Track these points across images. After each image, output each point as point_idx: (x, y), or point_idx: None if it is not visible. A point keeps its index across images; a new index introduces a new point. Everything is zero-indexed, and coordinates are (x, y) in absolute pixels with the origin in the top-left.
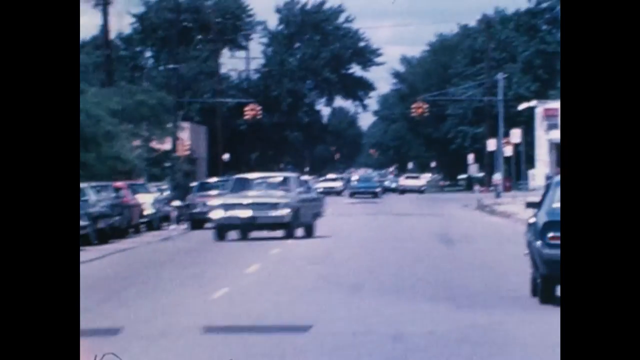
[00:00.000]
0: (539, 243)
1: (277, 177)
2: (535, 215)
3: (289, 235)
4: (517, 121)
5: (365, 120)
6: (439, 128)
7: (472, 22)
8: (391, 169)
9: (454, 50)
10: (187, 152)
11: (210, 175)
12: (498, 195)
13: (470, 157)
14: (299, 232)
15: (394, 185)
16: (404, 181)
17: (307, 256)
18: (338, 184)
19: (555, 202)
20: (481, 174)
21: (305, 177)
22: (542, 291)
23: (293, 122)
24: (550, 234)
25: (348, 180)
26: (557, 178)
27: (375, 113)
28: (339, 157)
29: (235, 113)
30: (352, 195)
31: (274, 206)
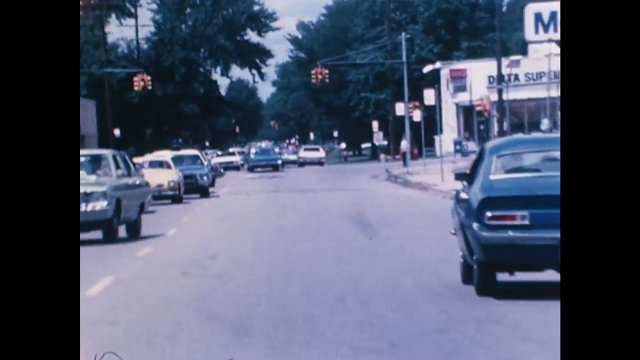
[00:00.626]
0: (475, 225)
1: (87, 155)
2: (465, 189)
3: (109, 236)
4: (421, 85)
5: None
6: (341, 95)
7: None
8: (292, 140)
9: (352, 13)
10: None
11: None
12: (405, 164)
13: (375, 125)
14: (121, 231)
15: (292, 157)
16: (303, 153)
17: (182, 261)
18: (236, 159)
19: (493, 174)
20: (385, 142)
21: (206, 152)
22: (479, 280)
23: (188, 93)
24: (489, 214)
25: (248, 154)
26: (493, 143)
27: (274, 83)
28: (239, 131)
29: (125, 85)
30: (251, 169)
31: (86, 197)
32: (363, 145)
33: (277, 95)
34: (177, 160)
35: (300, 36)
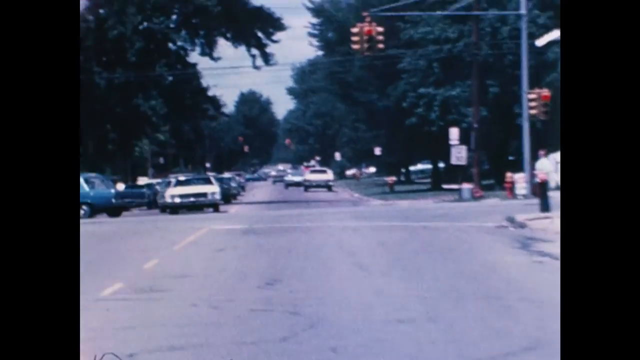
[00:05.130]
0: None
1: None
2: None
3: None
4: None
5: (281, 108)
6: (386, 93)
7: None
8: (311, 162)
9: None
10: None
11: None
12: (546, 206)
13: (454, 132)
14: None
15: (297, 179)
16: (309, 176)
17: None
18: (210, 189)
19: None
20: (464, 163)
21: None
22: None
23: (149, 83)
24: None
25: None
26: None
27: (290, 91)
28: (249, 151)
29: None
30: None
31: None
32: (414, 168)
33: (293, 110)
34: None
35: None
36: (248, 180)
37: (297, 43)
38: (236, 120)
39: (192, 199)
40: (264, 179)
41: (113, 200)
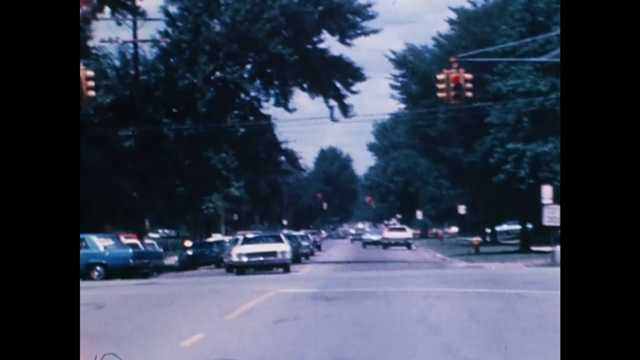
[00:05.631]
0: None
1: None
2: None
3: None
4: None
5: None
6: (473, 148)
7: None
8: (392, 221)
9: (491, 20)
10: None
11: None
12: None
13: (547, 190)
14: None
15: (376, 237)
16: (388, 233)
17: None
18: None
19: None
20: (557, 223)
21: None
22: None
23: (220, 135)
24: None
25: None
26: None
27: (371, 148)
28: (328, 208)
29: (112, 118)
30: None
31: None
32: (499, 228)
33: (374, 167)
34: None
35: (409, 57)
36: (327, 237)
37: (379, 98)
38: (315, 177)
39: (260, 258)
40: (343, 237)
41: (131, 261)
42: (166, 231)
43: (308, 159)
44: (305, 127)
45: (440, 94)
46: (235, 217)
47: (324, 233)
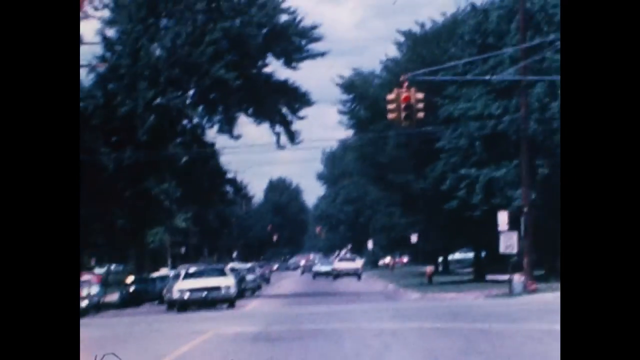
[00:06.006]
0: None
1: None
2: None
3: None
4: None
5: (311, 195)
6: (424, 174)
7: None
8: (343, 251)
9: (440, 42)
10: None
11: None
12: None
13: (503, 216)
14: None
15: (326, 268)
16: (337, 264)
17: None
18: (222, 282)
19: None
20: (514, 251)
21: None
22: None
23: (162, 163)
24: None
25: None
26: None
27: (320, 177)
28: (277, 240)
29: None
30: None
31: None
32: (451, 257)
33: (324, 197)
34: None
35: (354, 81)
36: (277, 270)
37: (328, 127)
38: (265, 208)
39: (203, 294)
40: (294, 269)
41: None
42: (112, 266)
43: (257, 190)
44: (253, 156)
45: (390, 115)
46: (183, 250)
47: (274, 265)
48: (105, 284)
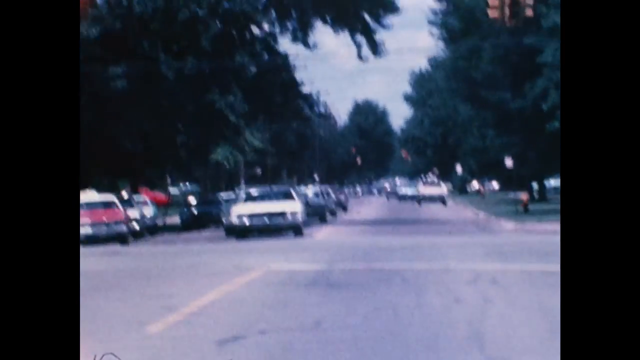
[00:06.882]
0: None
1: None
2: None
3: None
4: None
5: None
6: (522, 92)
7: None
8: (429, 176)
9: None
10: None
11: None
12: None
13: None
14: None
15: (411, 192)
16: (422, 189)
17: None
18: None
19: None
20: None
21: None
22: None
23: (225, 74)
24: None
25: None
26: None
27: (407, 98)
28: (362, 163)
29: (100, 54)
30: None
31: None
32: (548, 184)
33: (410, 119)
34: None
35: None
36: (359, 195)
37: (418, 50)
38: (350, 131)
39: (265, 220)
40: (378, 193)
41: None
42: (187, 185)
43: (342, 113)
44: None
45: (492, 13)
46: (259, 171)
47: (358, 189)
48: (182, 204)
